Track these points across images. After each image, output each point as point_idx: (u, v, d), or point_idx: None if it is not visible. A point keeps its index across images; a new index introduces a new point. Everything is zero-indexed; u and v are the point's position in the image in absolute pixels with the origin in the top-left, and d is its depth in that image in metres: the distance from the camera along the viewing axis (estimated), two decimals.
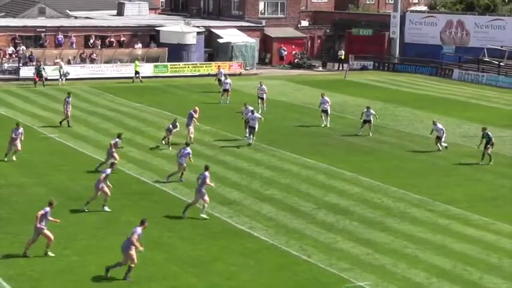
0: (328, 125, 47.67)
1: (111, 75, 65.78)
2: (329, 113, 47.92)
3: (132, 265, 23.64)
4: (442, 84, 69.84)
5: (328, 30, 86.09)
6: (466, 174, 38.22)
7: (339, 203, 32.58)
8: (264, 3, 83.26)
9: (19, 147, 37.18)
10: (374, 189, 34.85)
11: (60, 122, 45.24)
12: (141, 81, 63.89)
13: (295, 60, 79.86)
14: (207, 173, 30.02)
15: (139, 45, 71.58)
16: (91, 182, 32.40)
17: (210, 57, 74.13)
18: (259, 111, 48.67)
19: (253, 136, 41.90)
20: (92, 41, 70.62)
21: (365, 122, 45.83)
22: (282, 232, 28.67)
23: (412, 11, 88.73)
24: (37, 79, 59.69)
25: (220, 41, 74.77)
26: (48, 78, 60.54)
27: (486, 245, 27.87)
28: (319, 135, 46.04)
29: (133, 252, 23.57)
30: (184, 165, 34.49)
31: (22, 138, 37.50)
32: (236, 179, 35.58)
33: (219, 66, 66.16)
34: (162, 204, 31.51)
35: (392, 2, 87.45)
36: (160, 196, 32.65)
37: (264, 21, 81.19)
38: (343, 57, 79.06)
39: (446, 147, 42.08)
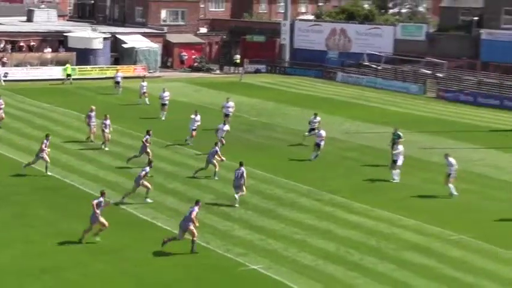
0: (228, 130, 46.80)
1: (22, 77, 64.37)
2: (230, 116, 47.49)
3: (195, 238, 25.20)
4: (327, 86, 70.97)
5: (225, 37, 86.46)
6: (348, 166, 38.94)
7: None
8: (166, 11, 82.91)
9: (48, 158, 34.10)
10: (267, 181, 35.16)
11: None
12: (71, 83, 63.23)
13: (195, 64, 79.90)
14: (243, 168, 30.92)
15: (49, 49, 70.21)
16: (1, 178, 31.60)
17: (116, 61, 73.33)
18: (162, 118, 48.67)
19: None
20: (2, 45, 68.88)
21: (312, 130, 42.53)
22: None
23: (300, 20, 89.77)
24: None
25: (124, 46, 74.09)
26: None
27: (366, 230, 28.50)
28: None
29: (193, 227, 25.09)
30: (214, 162, 34.62)
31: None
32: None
33: (117, 69, 65.78)
34: (70, 198, 31.03)
35: (282, 12, 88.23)
36: (68, 190, 32.13)
37: (165, 28, 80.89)
38: (238, 61, 79.64)
39: (315, 156, 39.77)
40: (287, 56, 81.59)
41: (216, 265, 24.54)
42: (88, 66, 68.91)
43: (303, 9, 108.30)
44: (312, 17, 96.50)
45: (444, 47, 75.89)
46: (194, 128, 42.11)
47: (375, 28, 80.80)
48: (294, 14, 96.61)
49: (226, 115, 47.33)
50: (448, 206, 32.19)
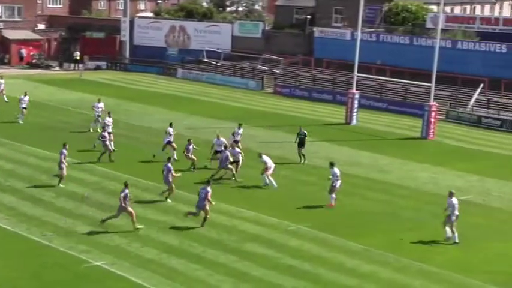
0: (98, 130, 43.05)
1: None
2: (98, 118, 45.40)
3: (208, 216, 27.81)
4: (169, 82, 70.83)
5: (63, 33, 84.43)
6: (189, 162, 38.92)
7: (78, 191, 32.09)
8: (1, 6, 79.92)
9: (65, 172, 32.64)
10: (109, 177, 34.68)
11: None
12: None
13: (34, 61, 77.60)
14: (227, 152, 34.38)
15: None
16: None
17: None
18: (19, 121, 46.63)
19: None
20: None
21: (236, 142, 38.85)
22: (23, 220, 27.79)
23: (140, 17, 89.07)
24: None
25: None
26: None
27: (208, 223, 28.50)
28: (57, 129, 45.08)
29: (208, 207, 27.66)
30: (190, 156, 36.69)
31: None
32: None
33: None
34: None
35: (122, 8, 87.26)
36: None
37: (1, 24, 77.96)
38: (78, 58, 78.00)
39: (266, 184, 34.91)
40: (127, 53, 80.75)
41: (58, 263, 23.96)
42: None
43: (142, 6, 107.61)
44: (151, 14, 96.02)
45: (280, 44, 77.64)
46: (109, 131, 40.53)
47: (213, 26, 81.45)
48: (134, 11, 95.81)
49: (98, 115, 45.46)
50: (287, 197, 32.91)
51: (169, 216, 29.25)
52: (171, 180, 31.19)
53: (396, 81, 61.16)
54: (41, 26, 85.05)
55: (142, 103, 56.75)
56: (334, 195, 31.62)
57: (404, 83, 60.29)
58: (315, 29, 76.69)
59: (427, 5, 78.54)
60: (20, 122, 46.99)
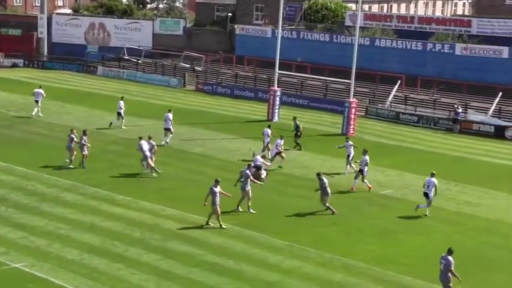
0: (123, 127, 45.24)
1: None
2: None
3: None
4: (88, 80, 69.83)
5: None
6: (111, 159, 38.59)
7: None
8: None
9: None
10: (28, 177, 34.05)
11: None
12: None
13: None
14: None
15: None
16: None
17: None
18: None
19: None
20: None
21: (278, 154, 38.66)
22: None
23: (58, 14, 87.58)
24: None
25: None
26: None
27: (130, 221, 28.45)
28: None
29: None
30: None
31: None
32: None
33: None
34: None
35: (39, 5, 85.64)
36: None
37: None
38: None
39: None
40: (45, 50, 79.27)
41: None
42: None
43: (60, 2, 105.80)
44: (69, 11, 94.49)
45: (201, 42, 77.55)
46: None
47: (134, 23, 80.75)
48: (51, 7, 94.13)
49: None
50: None
51: (90, 216, 28.88)
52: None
53: (317, 78, 61.82)
54: None
55: (61, 101, 55.80)
56: (357, 181, 34.57)
57: (325, 80, 60.96)
58: (236, 26, 76.84)
59: (345, 3, 79.67)
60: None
